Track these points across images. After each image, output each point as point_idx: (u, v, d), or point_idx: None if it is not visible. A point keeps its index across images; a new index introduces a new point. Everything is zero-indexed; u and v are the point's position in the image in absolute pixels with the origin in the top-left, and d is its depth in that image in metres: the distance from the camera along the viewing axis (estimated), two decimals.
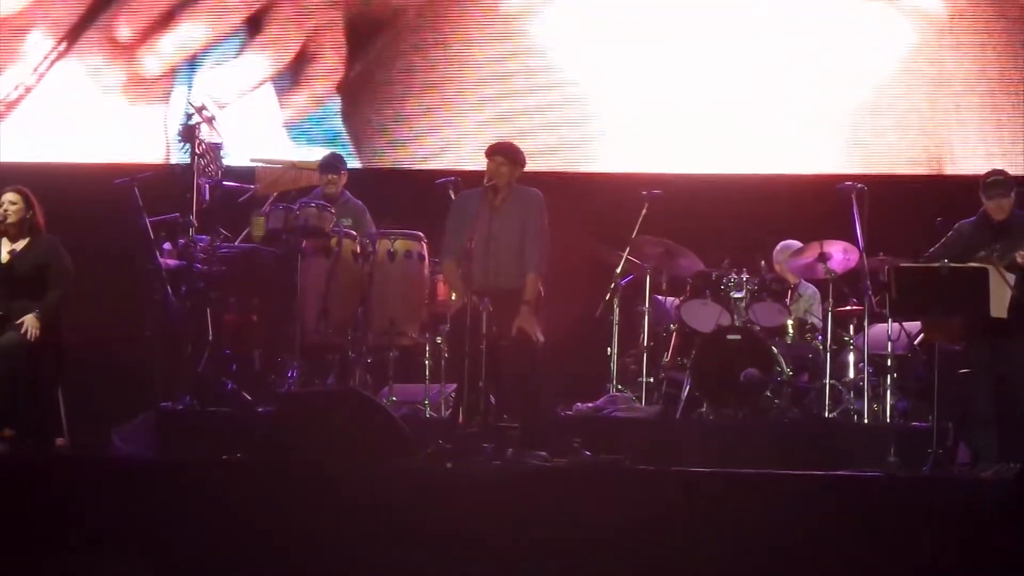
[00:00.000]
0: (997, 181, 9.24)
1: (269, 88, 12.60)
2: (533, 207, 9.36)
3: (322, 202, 10.66)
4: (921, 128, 12.09)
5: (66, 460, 9.31)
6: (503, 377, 9.11)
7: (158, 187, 10.88)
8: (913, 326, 10.08)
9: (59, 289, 9.84)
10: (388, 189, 11.82)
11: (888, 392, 10.36)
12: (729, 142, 12.20)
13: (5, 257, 9.91)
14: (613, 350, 10.97)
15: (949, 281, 8.87)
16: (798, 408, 10.58)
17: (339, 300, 10.34)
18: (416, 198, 11.14)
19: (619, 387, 10.89)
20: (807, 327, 10.87)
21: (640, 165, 12.22)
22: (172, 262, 10.71)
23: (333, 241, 10.46)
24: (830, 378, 10.44)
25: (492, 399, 9.08)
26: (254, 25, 12.63)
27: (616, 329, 10.99)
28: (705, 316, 10.77)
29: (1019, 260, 8.92)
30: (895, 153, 12.12)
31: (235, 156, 11.61)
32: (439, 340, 10.48)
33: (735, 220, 11.70)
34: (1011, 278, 8.88)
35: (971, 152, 11.98)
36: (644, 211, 11.00)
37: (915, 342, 10.14)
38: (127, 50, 12.66)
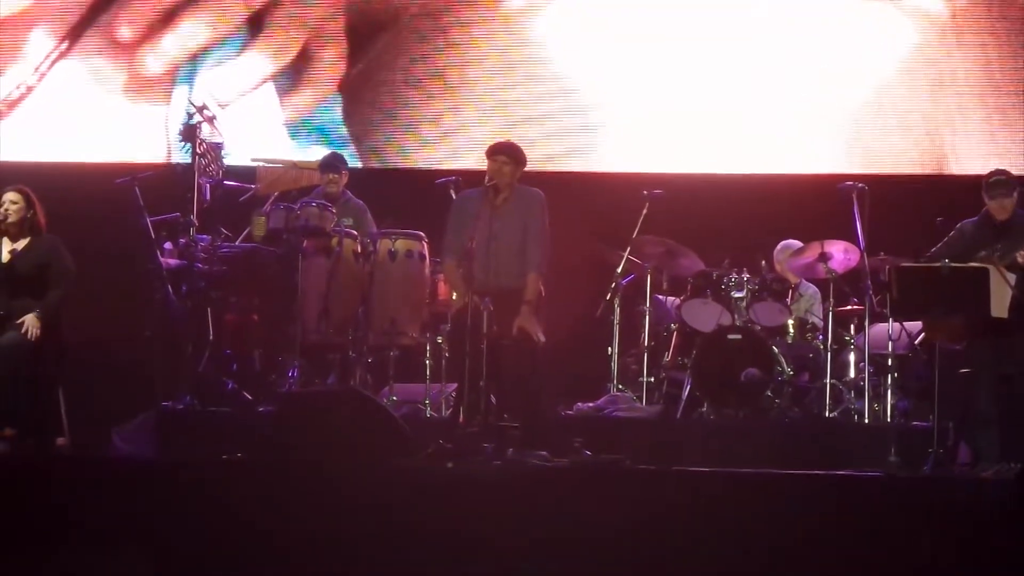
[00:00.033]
0: (999, 181, 9.25)
1: (270, 88, 12.60)
2: (534, 207, 9.36)
3: (323, 202, 10.66)
4: (922, 128, 12.09)
5: (66, 460, 9.31)
6: (504, 377, 9.11)
7: (159, 187, 10.88)
8: (914, 326, 10.07)
9: (60, 289, 9.85)
10: (389, 189, 11.83)
11: (889, 392, 10.36)
12: (730, 142, 12.21)
13: (6, 257, 9.91)
14: (614, 350, 10.97)
15: (950, 281, 8.87)
16: (799, 408, 10.58)
17: (340, 300, 10.34)
18: (417, 198, 11.13)
19: (620, 387, 10.89)
20: (808, 327, 10.87)
21: (641, 165, 12.22)
22: (173, 262, 10.71)
23: (334, 241, 10.46)
24: (831, 378, 10.44)
25: (493, 399, 9.07)
26: (255, 25, 12.64)
27: (617, 329, 10.99)
28: (706, 316, 10.77)
29: (1020, 260, 8.91)
30: (896, 153, 12.12)
31: (236, 156, 11.60)
32: (440, 340, 10.48)
33: (736, 220, 11.70)
34: (1012, 278, 8.87)
35: (972, 152, 11.98)
36: (645, 211, 11.00)
37: (916, 342, 10.13)
38: (128, 50, 12.67)
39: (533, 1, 12.37)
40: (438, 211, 9.94)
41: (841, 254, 10.67)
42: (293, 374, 10.38)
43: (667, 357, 10.91)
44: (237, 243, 10.99)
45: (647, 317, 11.00)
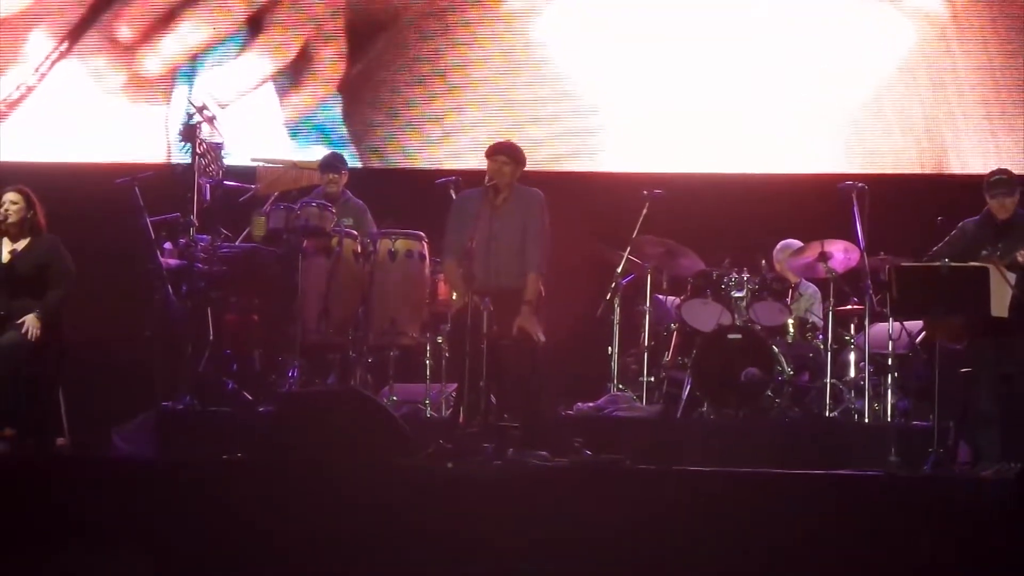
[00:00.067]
0: (1001, 180, 9.25)
1: (270, 88, 12.60)
2: (534, 207, 9.36)
3: (323, 202, 10.66)
4: (922, 128, 12.09)
5: (66, 460, 9.31)
6: (504, 377, 9.11)
7: (159, 187, 10.88)
8: (914, 325, 10.07)
9: (60, 289, 9.85)
10: (389, 189, 11.83)
11: (889, 391, 10.37)
12: (730, 142, 12.21)
13: (6, 257, 9.91)
14: (614, 349, 10.97)
15: (950, 280, 8.88)
16: (799, 407, 10.58)
17: (340, 300, 10.34)
18: (417, 198, 11.14)
19: (620, 386, 10.89)
20: (808, 326, 10.87)
21: (641, 165, 12.22)
22: (173, 262, 10.71)
23: (334, 241, 10.46)
24: (831, 377, 10.45)
25: (493, 399, 9.07)
26: (255, 25, 12.64)
27: (617, 328, 10.99)
28: (706, 315, 10.78)
29: (1020, 259, 8.92)
30: (896, 153, 12.13)
31: (236, 156, 11.61)
32: (440, 340, 10.48)
33: (736, 219, 11.71)
34: (1012, 277, 8.87)
35: (972, 151, 11.99)
36: (645, 210, 11.00)
37: (916, 341, 10.13)
38: (128, 50, 12.67)
39: (533, 1, 12.37)
40: (438, 211, 9.94)
41: (841, 254, 10.68)
42: (293, 374, 10.38)
43: (667, 357, 10.91)
44: (237, 243, 10.98)
45: (647, 317, 11.01)
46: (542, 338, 9.18)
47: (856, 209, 10.29)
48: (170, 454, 9.79)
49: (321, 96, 12.56)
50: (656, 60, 12.25)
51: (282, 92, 12.58)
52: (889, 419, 10.29)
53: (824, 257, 10.68)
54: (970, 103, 12.03)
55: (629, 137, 12.31)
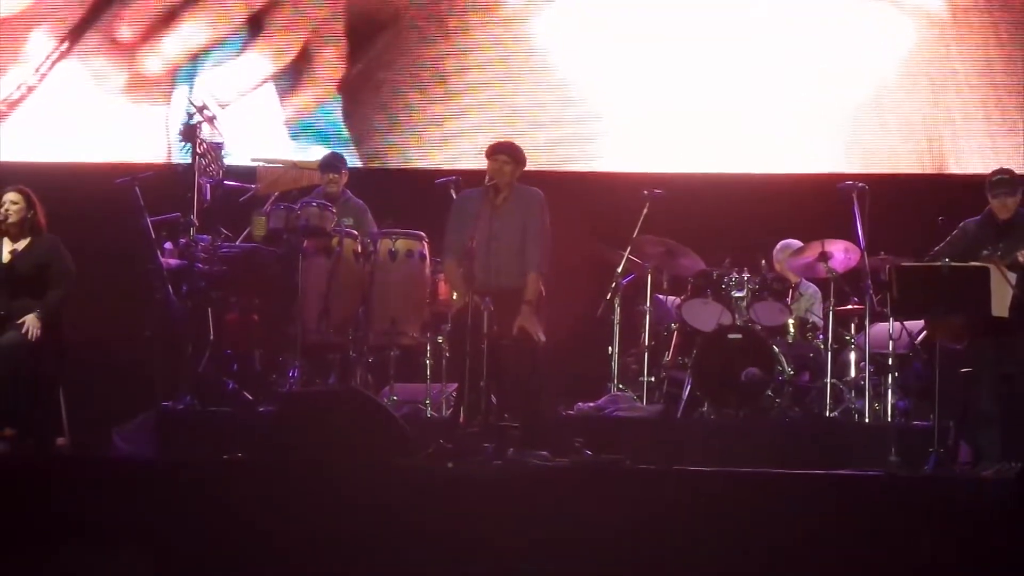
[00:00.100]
0: (1002, 180, 9.26)
1: (270, 87, 12.60)
2: (534, 206, 9.36)
3: (323, 202, 10.66)
4: (922, 127, 12.09)
5: (66, 460, 9.31)
6: (504, 377, 9.11)
7: (159, 187, 10.87)
8: (914, 325, 10.07)
9: (60, 289, 9.85)
10: (389, 188, 11.83)
11: (889, 391, 10.37)
12: (730, 142, 12.21)
13: (6, 257, 9.91)
14: (614, 349, 10.97)
15: (950, 280, 8.87)
16: (799, 407, 10.58)
17: (340, 300, 10.34)
18: (417, 197, 11.14)
19: (620, 386, 10.88)
20: (808, 326, 10.87)
21: (641, 165, 12.22)
22: (173, 261, 10.71)
23: (334, 241, 10.47)
24: (831, 377, 10.45)
25: (493, 399, 9.07)
26: (255, 25, 12.64)
27: (617, 328, 10.99)
28: (706, 315, 10.77)
29: (1021, 259, 8.92)
30: (896, 152, 12.12)
31: (236, 155, 11.61)
32: (440, 340, 10.47)
33: (736, 219, 11.71)
34: (1012, 277, 8.87)
35: (972, 151, 11.99)
36: (645, 210, 11.00)
37: (916, 341, 10.13)
38: (128, 50, 12.67)
39: (533, 1, 12.37)
40: (438, 211, 9.94)
41: (841, 253, 10.67)
42: (293, 374, 10.38)
43: (667, 357, 10.91)
44: (237, 243, 10.98)
45: (647, 317, 11.00)
46: (542, 338, 9.18)
47: (856, 209, 10.29)
48: (170, 454, 9.78)
49: (321, 96, 12.56)
50: (656, 60, 12.24)
51: (282, 92, 12.58)
52: (889, 419, 10.29)
53: (824, 257, 10.68)
54: (970, 103, 12.03)
55: (629, 137, 12.30)
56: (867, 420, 10.25)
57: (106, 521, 7.81)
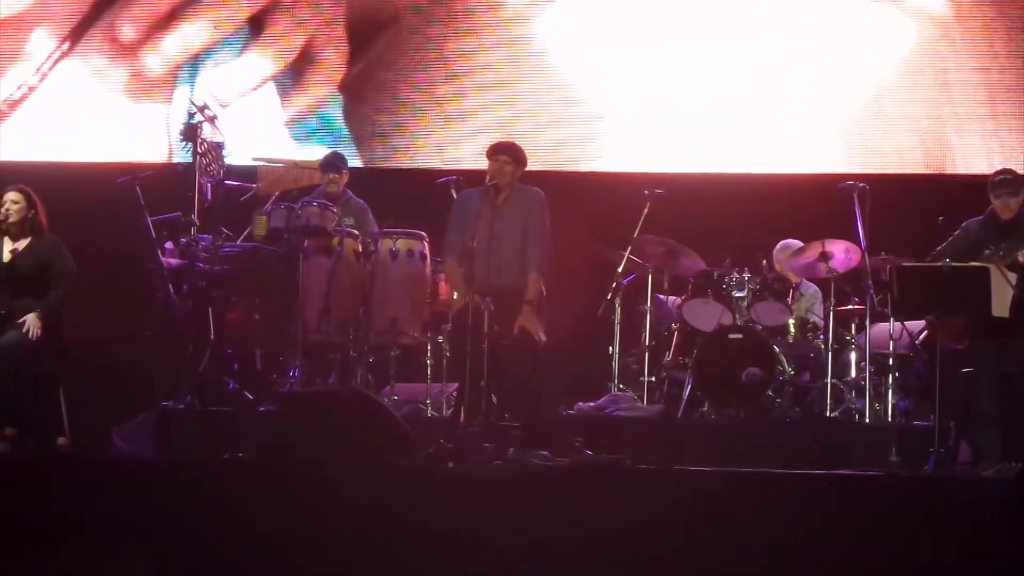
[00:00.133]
0: (1005, 180, 9.26)
1: (271, 87, 12.60)
2: (535, 206, 9.36)
3: (324, 201, 10.66)
4: (923, 127, 12.09)
5: (67, 460, 9.31)
6: (505, 376, 9.11)
7: (160, 186, 10.86)
8: (915, 325, 10.08)
9: (61, 289, 9.86)
10: (390, 188, 11.82)
11: (890, 391, 10.36)
12: (730, 142, 12.21)
13: (7, 256, 9.92)
14: (615, 349, 10.97)
15: (951, 280, 8.87)
16: (800, 407, 10.57)
17: (341, 299, 10.34)
18: (418, 197, 11.13)
19: (621, 386, 10.88)
20: (809, 326, 10.87)
21: (641, 164, 12.22)
22: (174, 261, 10.70)
23: (335, 240, 10.47)
24: (832, 377, 10.45)
25: (494, 398, 9.07)
26: (256, 24, 12.64)
27: (618, 328, 10.98)
28: (707, 315, 10.77)
29: (1021, 259, 8.92)
30: (896, 152, 12.12)
31: (237, 155, 11.59)
32: (441, 339, 10.48)
33: (737, 219, 11.71)
34: (1013, 277, 8.88)
35: (973, 151, 11.99)
36: (646, 210, 11.00)
37: (916, 341, 10.13)
38: (130, 50, 12.67)
39: (535, 1, 12.36)
40: (439, 211, 9.94)
41: (842, 253, 10.67)
42: (294, 374, 10.38)
43: (668, 357, 10.90)
44: (238, 242, 10.97)
45: (648, 317, 11.00)
46: (543, 338, 9.18)
47: (857, 209, 10.28)
48: (170, 454, 9.78)
49: (322, 96, 12.56)
50: (656, 60, 12.24)
51: (283, 92, 12.58)
52: (890, 419, 10.29)
53: (825, 257, 10.68)
54: (971, 103, 12.03)
55: (629, 137, 12.30)
56: (867, 420, 10.25)
57: (106, 521, 7.81)
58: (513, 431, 8.96)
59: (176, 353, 10.41)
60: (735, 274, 10.81)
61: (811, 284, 11.20)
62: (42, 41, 12.68)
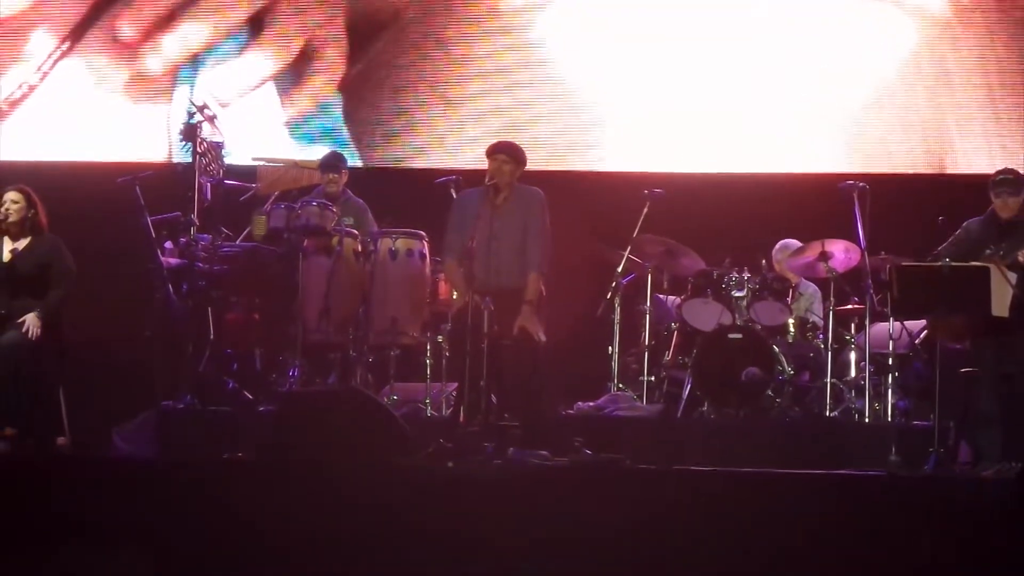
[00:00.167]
0: (1005, 179, 9.25)
1: (271, 87, 12.60)
2: (535, 206, 9.36)
3: (324, 201, 10.66)
4: (923, 127, 12.09)
5: (66, 459, 9.31)
6: (504, 376, 9.11)
7: (160, 186, 10.87)
8: (914, 325, 10.08)
9: (61, 289, 9.86)
10: (389, 188, 11.82)
11: (889, 391, 10.37)
12: (730, 141, 12.20)
13: (7, 256, 9.92)
14: (614, 349, 10.96)
15: (951, 280, 8.87)
16: (799, 407, 10.58)
17: (340, 299, 10.34)
18: (417, 197, 11.13)
19: (620, 386, 10.88)
20: (808, 326, 10.87)
21: (641, 164, 12.22)
22: (173, 261, 10.70)
23: (334, 240, 10.46)
24: (831, 377, 10.44)
25: (493, 398, 9.07)
26: (256, 24, 12.64)
27: (617, 328, 10.98)
28: (706, 315, 10.77)
29: (1021, 259, 8.91)
30: (896, 152, 12.12)
31: (237, 155, 11.60)
32: (440, 339, 10.47)
33: (736, 219, 11.71)
34: (1013, 277, 8.87)
35: (972, 151, 11.98)
36: (645, 210, 11.00)
37: (916, 341, 10.13)
38: (130, 49, 12.67)
39: (533, 1, 12.36)
40: (438, 210, 9.94)
41: (842, 253, 10.67)
42: (294, 373, 10.37)
43: (668, 356, 10.91)
44: (238, 242, 10.97)
45: (648, 316, 11.00)
46: (543, 338, 9.18)
47: (857, 209, 10.28)
48: (170, 454, 9.78)
49: (322, 95, 12.56)
50: (656, 60, 12.24)
51: (283, 91, 12.58)
52: (890, 419, 10.29)
53: (825, 256, 10.68)
54: (971, 103, 12.03)
55: (629, 137, 12.30)
56: (867, 420, 10.25)
57: (106, 521, 7.81)
58: (513, 431, 8.96)
59: (176, 353, 10.41)
60: (735, 274, 10.81)
61: (811, 284, 11.20)
62: (42, 41, 12.69)
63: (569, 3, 12.36)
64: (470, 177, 10.22)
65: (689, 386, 10.52)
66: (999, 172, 9.36)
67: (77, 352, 10.14)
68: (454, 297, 9.80)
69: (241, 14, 12.62)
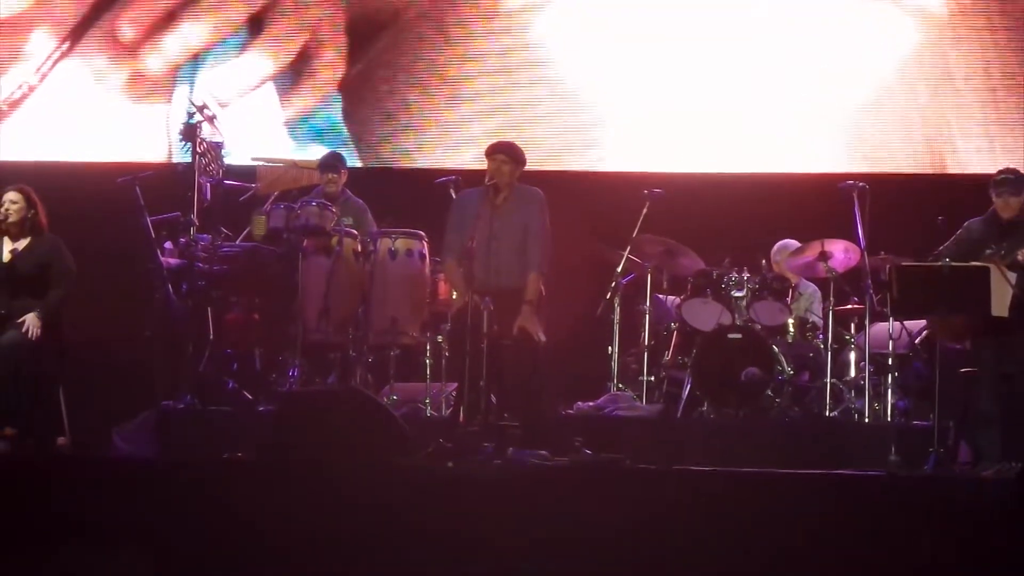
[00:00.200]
0: (1006, 179, 9.25)
1: (270, 87, 12.60)
2: (534, 206, 9.36)
3: (323, 201, 10.66)
4: (922, 127, 12.09)
5: (66, 459, 9.31)
6: (504, 376, 9.11)
7: (160, 186, 10.88)
8: (914, 325, 10.08)
9: (61, 289, 9.86)
10: (389, 188, 11.82)
11: (889, 391, 10.36)
12: (730, 141, 12.20)
13: (7, 256, 9.92)
14: (614, 349, 10.97)
15: (950, 280, 8.87)
16: (799, 407, 10.58)
17: (340, 299, 10.34)
18: (417, 197, 11.13)
19: (620, 386, 10.88)
20: (808, 326, 10.87)
21: (641, 164, 12.22)
22: (173, 261, 10.71)
23: (334, 240, 10.46)
24: (831, 377, 10.44)
25: (493, 398, 9.07)
26: (256, 24, 12.64)
27: (617, 328, 10.98)
28: (706, 315, 10.77)
29: (1021, 259, 8.91)
30: (896, 152, 12.12)
31: (236, 155, 11.61)
32: (440, 339, 10.47)
33: (736, 219, 11.70)
34: (1012, 277, 8.87)
35: (972, 151, 11.98)
36: (645, 210, 11.00)
37: (916, 341, 10.13)
38: (129, 49, 12.67)
39: (533, 1, 12.36)
40: (438, 210, 9.94)
41: (841, 253, 10.67)
42: (293, 373, 10.37)
43: (667, 356, 10.90)
44: (237, 242, 10.98)
45: (647, 316, 11.00)
46: (542, 338, 9.18)
47: (857, 209, 10.29)
48: (170, 454, 9.78)
49: (321, 95, 12.56)
50: (656, 60, 12.24)
51: (282, 91, 12.58)
52: (889, 419, 10.29)
53: (824, 256, 10.68)
54: (971, 102, 12.03)
55: (629, 136, 12.31)
56: (867, 420, 10.25)
57: (106, 521, 7.80)
58: (512, 431, 8.96)
59: (176, 353, 10.42)
60: (734, 274, 10.81)
61: (810, 284, 11.20)
62: (42, 41, 12.69)
63: (569, 3, 12.36)
64: (470, 177, 10.22)
65: (689, 386, 10.52)
66: (1000, 172, 9.36)
67: (77, 352, 10.14)
68: (454, 297, 9.80)
69: (241, 14, 12.62)
